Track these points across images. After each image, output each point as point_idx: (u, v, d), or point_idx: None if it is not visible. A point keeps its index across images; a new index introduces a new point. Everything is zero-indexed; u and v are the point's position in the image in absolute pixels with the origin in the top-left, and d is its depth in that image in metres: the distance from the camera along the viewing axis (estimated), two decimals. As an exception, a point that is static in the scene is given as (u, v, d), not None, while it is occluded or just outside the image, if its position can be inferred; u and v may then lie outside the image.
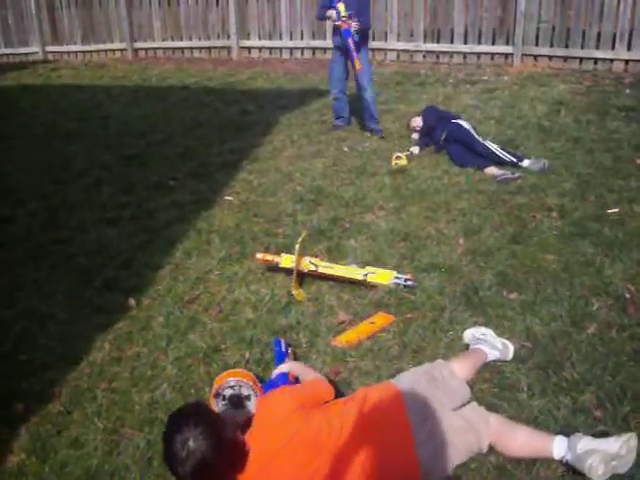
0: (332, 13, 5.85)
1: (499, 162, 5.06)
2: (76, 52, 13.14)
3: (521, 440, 2.21)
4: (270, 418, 2.11)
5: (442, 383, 2.37)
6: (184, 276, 3.70)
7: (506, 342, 2.81)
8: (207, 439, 1.87)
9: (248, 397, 2.37)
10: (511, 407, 2.47)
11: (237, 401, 2.36)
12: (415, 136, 5.94)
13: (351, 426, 2.12)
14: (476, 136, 5.30)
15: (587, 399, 2.47)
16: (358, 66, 5.95)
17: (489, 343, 2.76)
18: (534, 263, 3.56)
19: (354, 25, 5.79)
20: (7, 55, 14.10)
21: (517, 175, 4.82)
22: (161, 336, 3.08)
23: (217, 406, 2.36)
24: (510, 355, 2.77)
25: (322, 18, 6.25)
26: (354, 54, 5.91)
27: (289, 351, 2.78)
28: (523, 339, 2.89)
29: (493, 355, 2.73)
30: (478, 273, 3.51)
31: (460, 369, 2.50)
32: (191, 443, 1.85)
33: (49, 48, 13.52)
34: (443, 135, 5.49)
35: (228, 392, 2.36)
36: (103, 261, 3.93)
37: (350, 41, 5.85)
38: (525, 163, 5.01)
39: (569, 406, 2.45)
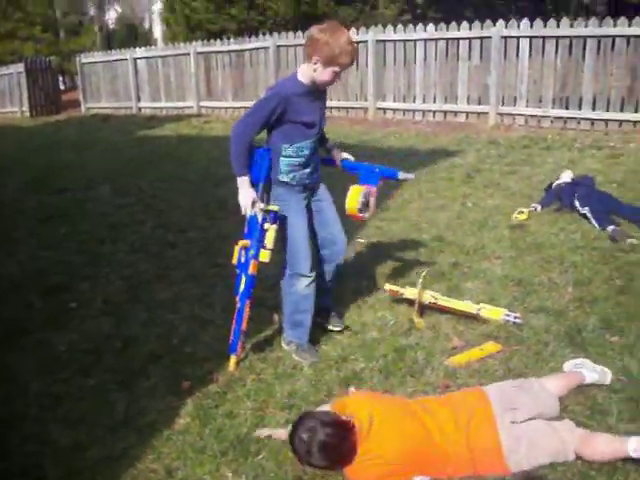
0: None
1: None
2: (226, 108, 14.48)
3: (603, 443, 2.57)
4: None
5: (529, 390, 2.77)
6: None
7: (605, 368, 3.16)
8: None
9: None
10: (600, 428, 2.79)
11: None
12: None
13: (442, 414, 2.64)
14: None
15: (671, 427, 2.77)
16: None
17: (588, 367, 3.13)
18: (637, 312, 3.83)
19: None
20: (166, 108, 15.74)
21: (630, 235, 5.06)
22: (300, 345, 3.65)
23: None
24: (608, 380, 3.11)
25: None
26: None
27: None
28: (619, 375, 3.19)
29: (591, 377, 3.08)
30: (583, 317, 3.83)
31: (553, 385, 2.88)
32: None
33: (203, 103, 14.99)
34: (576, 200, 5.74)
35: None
36: (253, 284, 4.59)
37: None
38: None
39: (655, 431, 2.76)
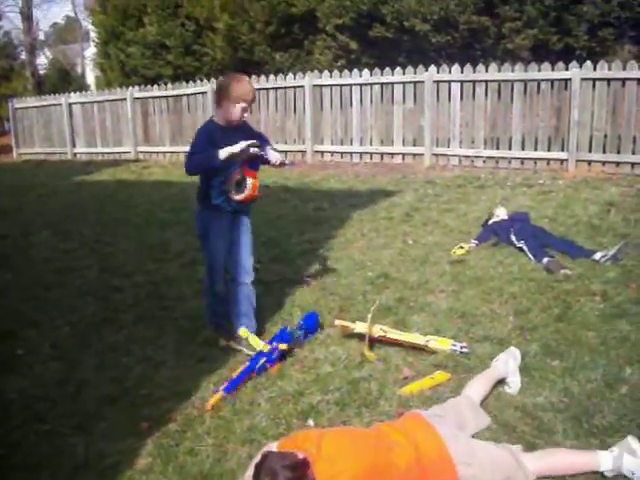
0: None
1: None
2: (164, 152, 14.50)
3: (568, 455, 2.81)
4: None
5: (448, 402, 3.18)
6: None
7: (511, 348, 3.71)
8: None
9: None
10: (547, 445, 2.96)
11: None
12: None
13: (390, 430, 2.83)
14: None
15: (614, 442, 2.92)
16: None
17: (501, 359, 3.56)
18: (575, 338, 4.06)
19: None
20: (103, 153, 15.65)
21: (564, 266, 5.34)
22: (256, 382, 3.71)
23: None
24: (518, 355, 3.64)
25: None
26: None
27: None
28: (561, 396, 3.38)
29: (503, 364, 3.51)
30: (525, 344, 4.02)
31: (473, 391, 3.28)
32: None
33: (140, 148, 14.97)
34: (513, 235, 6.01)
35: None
36: (203, 324, 4.62)
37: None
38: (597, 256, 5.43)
39: (598, 446, 2.92)
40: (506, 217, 6.47)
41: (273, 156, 4.13)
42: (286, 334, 4.09)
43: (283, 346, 3.96)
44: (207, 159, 3.92)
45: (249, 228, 4.36)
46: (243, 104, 3.98)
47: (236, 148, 3.91)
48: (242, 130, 4.13)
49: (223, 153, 3.90)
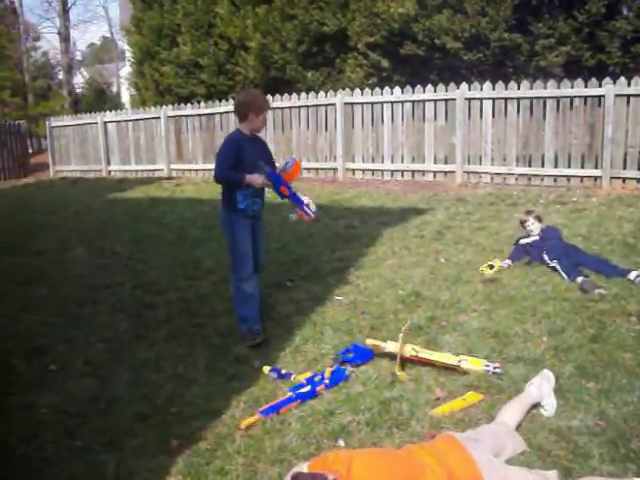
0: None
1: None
2: (197, 170, 14.64)
3: None
4: None
5: (484, 427, 3.15)
6: (302, 357, 4.36)
7: (545, 370, 3.67)
8: None
9: None
10: (583, 470, 2.91)
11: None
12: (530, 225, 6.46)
13: (422, 452, 2.79)
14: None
15: (651, 467, 2.88)
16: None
17: (535, 383, 3.52)
18: (611, 359, 3.99)
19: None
20: (137, 171, 15.88)
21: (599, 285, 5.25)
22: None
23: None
24: (551, 378, 3.59)
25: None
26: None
27: None
28: (597, 419, 3.31)
29: (536, 383, 3.49)
30: (559, 365, 3.96)
31: (507, 416, 3.24)
32: None
33: (173, 166, 15.14)
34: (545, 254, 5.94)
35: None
36: (234, 341, 4.65)
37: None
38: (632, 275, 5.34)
39: (635, 471, 2.87)
40: (537, 237, 6.34)
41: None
42: (338, 376, 3.98)
43: (304, 389, 3.77)
44: (236, 178, 4.49)
45: (263, 232, 4.96)
46: (265, 113, 4.66)
47: (258, 184, 4.51)
48: (260, 140, 4.85)
49: (248, 179, 4.46)
